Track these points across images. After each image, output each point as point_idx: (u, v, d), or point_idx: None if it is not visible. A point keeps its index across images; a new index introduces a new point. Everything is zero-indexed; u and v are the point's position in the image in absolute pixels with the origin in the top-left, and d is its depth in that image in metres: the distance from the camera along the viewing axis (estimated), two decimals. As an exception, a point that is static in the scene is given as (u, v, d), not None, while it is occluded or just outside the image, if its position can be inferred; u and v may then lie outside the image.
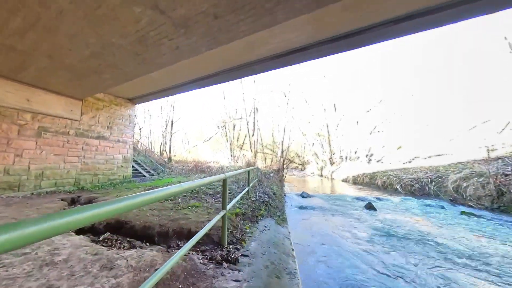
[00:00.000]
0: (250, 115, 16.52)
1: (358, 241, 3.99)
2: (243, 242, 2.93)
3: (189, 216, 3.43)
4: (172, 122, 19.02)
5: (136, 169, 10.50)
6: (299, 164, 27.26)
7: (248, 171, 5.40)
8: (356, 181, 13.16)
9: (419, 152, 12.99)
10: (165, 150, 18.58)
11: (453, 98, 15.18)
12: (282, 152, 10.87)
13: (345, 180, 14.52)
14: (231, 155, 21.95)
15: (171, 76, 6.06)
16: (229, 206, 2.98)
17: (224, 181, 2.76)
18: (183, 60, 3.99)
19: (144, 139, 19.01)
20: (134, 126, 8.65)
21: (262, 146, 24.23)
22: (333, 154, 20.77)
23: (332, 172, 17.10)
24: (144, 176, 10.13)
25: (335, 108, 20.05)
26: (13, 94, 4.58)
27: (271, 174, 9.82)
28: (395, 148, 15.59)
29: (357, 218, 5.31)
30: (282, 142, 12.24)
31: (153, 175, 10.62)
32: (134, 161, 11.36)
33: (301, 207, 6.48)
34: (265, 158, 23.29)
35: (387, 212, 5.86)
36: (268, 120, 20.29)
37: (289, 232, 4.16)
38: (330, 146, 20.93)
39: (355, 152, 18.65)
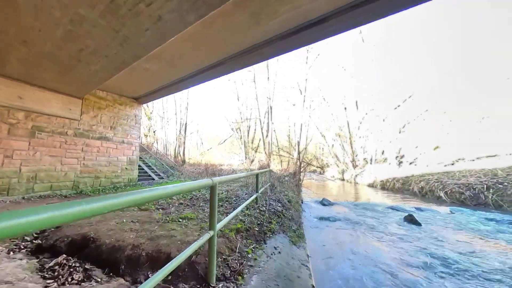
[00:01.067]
0: (264, 116, 15.62)
1: (411, 272, 2.85)
2: (240, 276, 2.03)
3: (174, 233, 2.63)
4: (186, 124, 18.89)
5: (146, 172, 10.17)
6: (317, 167, 25.63)
7: (257, 175, 4.51)
8: (385, 186, 11.52)
9: (463, 153, 10.98)
10: (179, 153, 18.45)
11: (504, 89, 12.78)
12: (299, 154, 9.80)
13: (371, 185, 12.88)
14: (246, 158, 21.27)
15: (173, 69, 5.46)
16: (222, 223, 2.13)
17: (212, 188, 1.92)
18: (176, 42, 3.27)
19: (159, 142, 19.11)
20: (140, 127, 8.28)
21: (278, 149, 23.21)
22: (356, 156, 18.99)
23: (355, 175, 15.46)
24: (153, 179, 9.74)
25: (357, 106, 18.37)
26: (2, 91, 4.27)
27: (286, 178, 8.80)
28: (431, 148, 13.55)
29: (397, 235, 4.10)
30: (298, 142, 11.18)
31: (162, 178, 10.22)
32: (145, 163, 11.11)
33: (322, 218, 5.39)
34: (281, 161, 22.20)
35: (438, 228, 4.52)
36: (283, 120, 19.27)
37: (308, 256, 3.16)
38: (352, 147, 19.18)
39: (382, 153, 16.77)
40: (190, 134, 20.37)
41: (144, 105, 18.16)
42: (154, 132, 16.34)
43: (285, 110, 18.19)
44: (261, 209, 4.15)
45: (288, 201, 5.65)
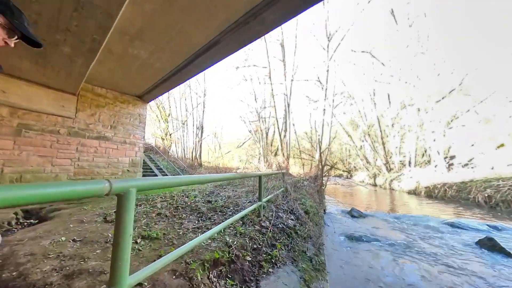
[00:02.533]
0: (284, 116, 14.37)
1: None
2: None
3: (108, 268, 1.68)
4: (202, 128, 18.65)
5: (155, 174, 9.74)
6: (344, 170, 23.25)
7: (260, 177, 3.39)
8: (432, 194, 9.33)
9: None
10: (196, 156, 18.19)
11: None
12: (320, 155, 8.38)
13: (412, 192, 10.67)
14: (264, 161, 20.19)
15: (164, 54, 4.71)
16: (172, 256, 1.09)
17: (119, 198, 0.90)
18: (156, 19, 2.41)
19: (178, 145, 19.14)
20: (145, 127, 7.81)
21: (300, 151, 21.68)
22: (389, 157, 16.50)
23: (391, 180, 13.20)
24: (162, 182, 9.23)
25: (389, 100, 16.05)
26: (-19, 84, 3.94)
27: (305, 183, 7.45)
28: (492, 146, 10.80)
29: (482, 277, 2.58)
30: (320, 142, 9.73)
31: (172, 181, 9.68)
32: (157, 166, 10.78)
33: (351, 237, 4.00)
34: (303, 164, 20.69)
35: (546, 265, 2.84)
36: (303, 119, 17.79)
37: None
38: (384, 147, 16.75)
39: (423, 155, 14.17)
40: (207, 136, 20.06)
41: (161, 108, 18.52)
42: (170, 135, 16.30)
43: (305, 107, 16.73)
44: (263, 224, 3.02)
45: (305, 212, 4.40)
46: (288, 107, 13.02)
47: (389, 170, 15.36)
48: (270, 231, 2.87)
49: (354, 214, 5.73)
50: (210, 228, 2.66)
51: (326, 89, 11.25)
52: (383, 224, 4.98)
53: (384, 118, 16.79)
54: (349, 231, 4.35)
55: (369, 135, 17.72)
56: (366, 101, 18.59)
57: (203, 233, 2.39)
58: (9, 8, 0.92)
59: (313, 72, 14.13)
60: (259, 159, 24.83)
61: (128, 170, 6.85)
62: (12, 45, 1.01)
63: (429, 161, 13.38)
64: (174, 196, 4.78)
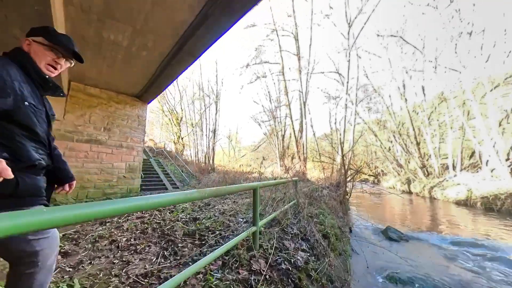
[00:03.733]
0: (301, 115, 13.12)
1: None
2: None
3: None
4: (214, 131, 18.11)
5: (161, 180, 9.19)
6: (370, 175, 20.90)
7: (255, 190, 2.34)
8: (493, 207, 7.31)
9: None
10: (208, 160, 17.64)
11: None
12: (343, 157, 7.02)
13: (463, 203, 8.62)
14: (281, 165, 19.03)
15: (144, 38, 3.97)
16: None
17: None
18: None
19: (192, 149, 18.83)
20: (145, 129, 7.24)
21: (319, 154, 20.07)
22: (427, 159, 14.15)
23: (431, 187, 11.08)
24: (167, 189, 8.62)
25: (424, 93, 13.85)
26: None
27: (325, 192, 6.16)
28: None
29: None
30: (341, 143, 8.31)
31: (177, 187, 9.04)
32: (164, 171, 10.27)
33: (395, 279, 2.71)
34: (323, 168, 19.00)
35: None
36: (321, 118, 16.27)
37: None
38: (419, 148, 14.44)
39: (471, 156, 11.77)
40: (220, 139, 19.49)
41: (173, 111, 18.42)
42: (181, 138, 15.99)
43: (324, 105, 15.22)
44: (255, 265, 1.95)
45: (323, 236, 3.23)
46: (304, 105, 11.76)
47: (427, 174, 13.08)
48: (265, 279, 1.79)
49: (391, 235, 4.33)
50: (165, 277, 1.68)
51: (347, 82, 9.80)
52: (437, 254, 3.55)
53: (418, 114, 14.55)
54: (389, 265, 3.05)
55: (399, 134, 15.52)
56: (394, 95, 16.47)
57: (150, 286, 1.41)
58: (46, 30, 1.01)
59: (332, 65, 12.70)
60: (275, 162, 23.68)
61: (124, 176, 6.26)
62: (67, 65, 1.12)
63: (477, 165, 10.97)
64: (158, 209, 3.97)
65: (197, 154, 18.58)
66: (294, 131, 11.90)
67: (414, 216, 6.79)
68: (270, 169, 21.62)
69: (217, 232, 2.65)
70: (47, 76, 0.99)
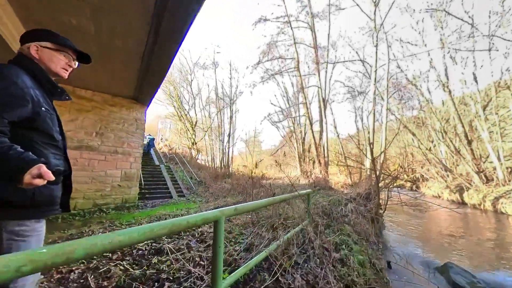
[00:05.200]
0: (319, 114, 11.69)
1: None
2: None
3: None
4: (229, 135, 17.52)
5: (167, 188, 8.66)
6: (406, 180, 18.07)
7: (217, 222, 1.30)
8: None
9: None
10: (224, 166, 17.04)
11: None
12: (373, 161, 5.53)
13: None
14: (301, 170, 17.63)
15: (117, 25, 3.31)
16: None
17: None
18: None
19: (209, 154, 18.51)
20: (144, 133, 6.74)
21: (345, 157, 18.16)
22: (484, 162, 11.43)
23: (496, 198, 8.65)
24: (172, 197, 8.02)
25: (476, 81, 11.29)
26: None
27: (351, 206, 4.79)
28: None
29: None
30: (371, 143, 6.75)
31: (184, 195, 8.39)
32: (172, 177, 9.78)
33: None
34: (349, 172, 17.13)
35: None
36: (345, 116, 14.49)
37: None
38: (471, 149, 11.75)
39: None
40: (235, 143, 18.83)
41: (188, 116, 18.32)
42: (194, 143, 15.66)
43: (348, 103, 13.50)
44: None
45: (346, 289, 2.03)
46: (324, 102, 10.36)
47: (486, 181, 10.44)
48: None
49: (456, 278, 2.84)
50: None
51: (375, 71, 8.20)
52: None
53: (470, 106, 11.93)
54: None
55: (445, 132, 12.93)
56: (434, 87, 13.94)
57: None
58: (50, 33, 1.01)
59: (356, 55, 11.03)
60: (294, 166, 22.27)
61: (119, 185, 5.72)
62: (75, 66, 1.11)
63: None
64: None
65: (214, 159, 18.16)
66: (312, 132, 10.52)
67: (481, 242, 4.94)
68: (291, 174, 20.27)
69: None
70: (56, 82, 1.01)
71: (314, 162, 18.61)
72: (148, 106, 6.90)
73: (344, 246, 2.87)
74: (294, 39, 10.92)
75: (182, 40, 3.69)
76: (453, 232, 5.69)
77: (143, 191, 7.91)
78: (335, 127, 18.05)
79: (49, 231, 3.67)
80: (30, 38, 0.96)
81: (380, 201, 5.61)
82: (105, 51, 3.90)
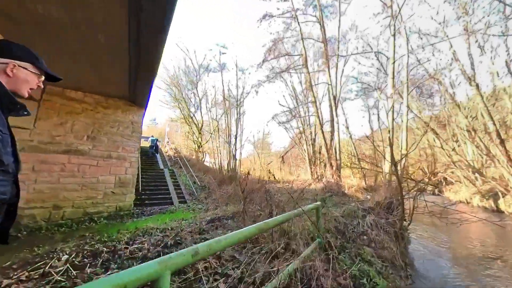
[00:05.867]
0: (329, 113, 10.90)
1: None
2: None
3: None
4: (236, 137, 17.03)
5: (169, 193, 8.26)
6: (428, 183, 16.59)
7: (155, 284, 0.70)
8: None
9: None
10: (230, 169, 16.55)
11: None
12: (395, 165, 4.70)
13: None
14: (312, 174, 16.81)
15: (89, 8, 2.89)
16: None
17: None
18: None
19: (214, 157, 18.15)
20: (141, 137, 6.37)
21: (358, 159, 17.10)
22: (522, 165, 10.00)
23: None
24: (172, 203, 7.60)
25: (510, 71, 9.99)
26: None
27: (369, 219, 4.04)
28: None
29: None
30: (391, 145, 5.90)
31: (186, 201, 7.95)
32: (175, 182, 9.41)
33: None
34: (363, 174, 16.11)
35: None
36: (358, 116, 13.54)
37: None
38: (505, 149, 10.37)
39: None
40: (242, 146, 18.31)
41: (194, 119, 18.07)
42: (200, 146, 15.32)
43: (360, 101, 12.55)
44: None
45: None
46: (335, 100, 9.57)
47: (527, 186, 9.08)
48: None
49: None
50: None
51: (393, 64, 7.34)
52: None
53: (502, 101, 10.58)
54: None
55: (474, 130, 11.60)
56: (457, 79, 12.64)
57: None
58: (34, 56, 1.00)
59: (370, 47, 10.10)
60: (305, 169, 21.34)
61: (113, 192, 5.34)
62: (42, 86, 1.08)
63: None
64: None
65: (221, 162, 17.75)
66: (323, 132, 9.74)
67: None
68: (301, 176, 19.43)
69: None
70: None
71: (325, 165, 17.69)
72: (145, 108, 6.55)
73: (365, 279, 2.19)
74: (301, 34, 10.26)
75: (167, 29, 3.20)
76: (482, 241, 4.75)
77: (143, 197, 7.56)
78: (347, 128, 17.07)
79: (30, 245, 3.30)
80: (8, 54, 0.91)
81: (404, 212, 4.78)
82: (89, 47, 3.51)
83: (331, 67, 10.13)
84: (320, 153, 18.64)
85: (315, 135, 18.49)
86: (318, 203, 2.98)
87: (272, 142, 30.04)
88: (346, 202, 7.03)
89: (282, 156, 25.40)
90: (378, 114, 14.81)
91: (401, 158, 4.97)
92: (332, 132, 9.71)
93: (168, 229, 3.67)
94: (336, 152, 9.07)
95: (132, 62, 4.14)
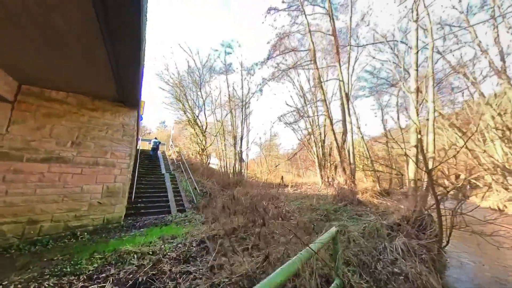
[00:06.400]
0: (341, 112, 10.01)
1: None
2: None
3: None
4: (241, 139, 16.41)
5: (167, 201, 7.70)
6: (454, 187, 15.13)
7: None
8: None
9: None
10: (236, 172, 15.90)
11: None
12: (429, 173, 3.78)
13: None
14: (322, 178, 15.90)
15: None
16: None
17: None
18: None
19: (221, 160, 17.60)
20: (134, 141, 5.83)
21: (371, 160, 15.99)
22: None
23: None
24: (170, 212, 7.01)
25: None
26: None
27: (399, 242, 3.20)
28: None
29: None
30: (420, 147, 4.90)
31: (184, 210, 7.34)
32: (175, 188, 8.85)
33: None
34: (377, 177, 15.05)
35: None
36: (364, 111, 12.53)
37: None
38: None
39: None
40: (247, 148, 17.64)
41: (198, 121, 17.59)
42: (204, 149, 14.78)
43: (377, 92, 11.53)
44: None
45: None
46: (347, 98, 8.69)
47: None
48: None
49: None
50: None
51: (416, 54, 6.40)
52: None
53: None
54: None
55: (508, 129, 10.27)
56: (483, 72, 11.35)
57: None
58: None
59: (385, 39, 9.07)
60: (315, 172, 20.34)
61: (99, 203, 4.79)
62: None
63: None
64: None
65: (226, 165, 17.16)
66: (334, 133, 8.87)
67: None
68: (310, 179, 18.46)
69: None
70: None
71: (336, 167, 16.65)
72: (138, 109, 6.01)
73: None
74: (309, 27, 9.47)
75: (140, 7, 2.57)
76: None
77: (138, 205, 7.03)
78: (359, 128, 15.98)
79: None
80: None
81: (439, 231, 3.86)
82: (47, 34, 2.95)
83: (343, 63, 9.26)
84: (330, 155, 17.63)
85: (325, 136, 17.52)
86: (334, 229, 2.20)
87: (280, 144, 29.18)
88: (363, 212, 6.15)
89: (290, 159, 24.49)
90: (398, 113, 13.61)
91: (436, 166, 4.05)
92: (344, 132, 8.81)
93: (149, 253, 3.01)
94: (349, 155, 8.17)
95: (108, 50, 3.56)
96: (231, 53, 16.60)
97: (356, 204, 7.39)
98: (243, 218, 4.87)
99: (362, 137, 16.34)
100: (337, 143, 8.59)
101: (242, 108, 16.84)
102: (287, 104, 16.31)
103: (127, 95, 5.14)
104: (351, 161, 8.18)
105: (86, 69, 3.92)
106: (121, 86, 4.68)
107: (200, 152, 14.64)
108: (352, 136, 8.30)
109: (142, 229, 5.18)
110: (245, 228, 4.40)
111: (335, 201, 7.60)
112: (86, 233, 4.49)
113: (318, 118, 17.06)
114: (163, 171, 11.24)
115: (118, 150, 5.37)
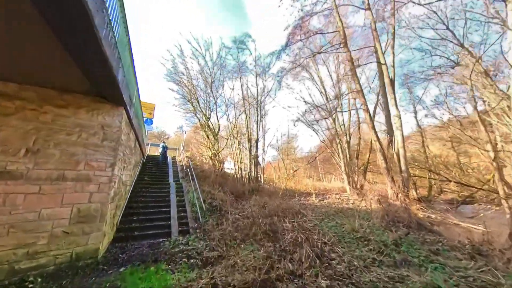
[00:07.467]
0: (381, 106, 7.91)
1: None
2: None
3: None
4: (257, 141, 14.83)
5: (169, 218, 6.33)
6: (480, 192, 11.94)
7: None
8: None
9: None
10: (252, 179, 14.34)
11: None
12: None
13: None
14: (350, 185, 13.79)
15: None
16: None
17: None
18: None
19: (236, 166, 16.19)
20: (119, 146, 4.50)
21: (432, 165, 13.44)
22: None
23: None
24: (170, 235, 5.62)
25: None
26: None
27: None
28: None
29: None
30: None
31: (188, 231, 5.90)
32: (181, 202, 7.49)
33: None
34: (414, 182, 12.56)
35: None
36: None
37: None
38: None
39: None
40: (263, 152, 15.99)
41: (210, 123, 16.31)
42: (217, 154, 13.44)
43: (438, 74, 9.24)
44: None
45: None
46: (392, 84, 6.70)
47: None
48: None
49: None
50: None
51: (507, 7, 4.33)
52: None
53: None
54: None
55: None
56: None
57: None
58: None
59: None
60: (342, 178, 18.17)
61: (65, 232, 3.48)
62: None
63: None
64: None
65: (241, 170, 15.68)
66: (375, 131, 6.87)
67: None
68: (336, 187, 16.25)
69: None
70: None
71: (365, 172, 14.43)
72: (129, 106, 4.70)
73: None
74: (335, 3, 7.66)
75: None
76: None
77: (133, 224, 5.75)
78: (412, 126, 13.52)
79: None
80: None
81: None
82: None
83: (382, 41, 7.27)
84: (357, 158, 15.33)
85: (350, 137, 15.32)
86: None
87: (297, 146, 27.10)
88: (440, 247, 4.14)
89: (310, 162, 22.33)
90: (473, 100, 10.89)
91: None
92: (391, 131, 6.79)
93: None
94: (399, 160, 6.15)
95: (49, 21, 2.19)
96: (245, 48, 15.21)
97: (416, 228, 5.36)
98: (261, 251, 3.22)
99: (421, 134, 13.74)
100: (380, 145, 6.59)
101: (257, 108, 15.33)
102: (305, 102, 14.46)
103: (105, 85, 3.81)
104: (403, 168, 6.14)
105: (33, 52, 2.62)
106: (92, 73, 3.34)
107: (212, 157, 13.34)
108: (402, 135, 6.27)
109: (125, 267, 3.79)
110: (264, 282, 2.76)
111: (384, 223, 5.63)
112: (41, 277, 3.18)
113: (342, 116, 14.97)
114: (171, 179, 10.06)
115: (95, 159, 4.07)
